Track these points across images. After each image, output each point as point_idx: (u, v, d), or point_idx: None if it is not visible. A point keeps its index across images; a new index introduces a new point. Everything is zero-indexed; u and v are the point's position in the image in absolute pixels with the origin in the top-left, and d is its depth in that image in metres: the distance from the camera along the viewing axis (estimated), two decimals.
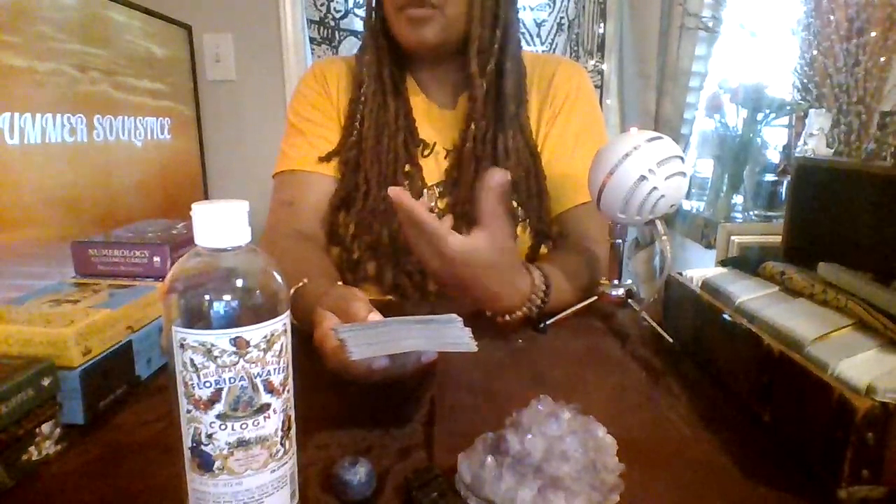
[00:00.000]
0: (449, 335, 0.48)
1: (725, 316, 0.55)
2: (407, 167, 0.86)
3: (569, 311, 0.73)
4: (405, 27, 0.80)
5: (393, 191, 0.55)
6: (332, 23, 1.97)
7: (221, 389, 0.33)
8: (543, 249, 0.87)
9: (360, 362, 0.46)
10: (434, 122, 0.90)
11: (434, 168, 0.88)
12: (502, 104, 0.84)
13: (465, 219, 0.83)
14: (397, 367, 0.48)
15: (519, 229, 0.85)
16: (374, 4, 0.85)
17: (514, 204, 0.86)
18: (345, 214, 0.85)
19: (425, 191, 0.86)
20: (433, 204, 0.86)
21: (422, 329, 0.48)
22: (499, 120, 0.84)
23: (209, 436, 0.33)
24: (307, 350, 0.51)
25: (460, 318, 0.51)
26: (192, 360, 0.32)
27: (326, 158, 0.87)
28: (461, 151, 0.85)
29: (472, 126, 0.84)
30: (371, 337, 0.47)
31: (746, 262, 0.65)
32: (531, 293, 0.67)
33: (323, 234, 0.86)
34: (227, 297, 0.33)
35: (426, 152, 0.88)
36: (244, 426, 0.33)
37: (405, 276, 0.84)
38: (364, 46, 0.87)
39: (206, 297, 0.33)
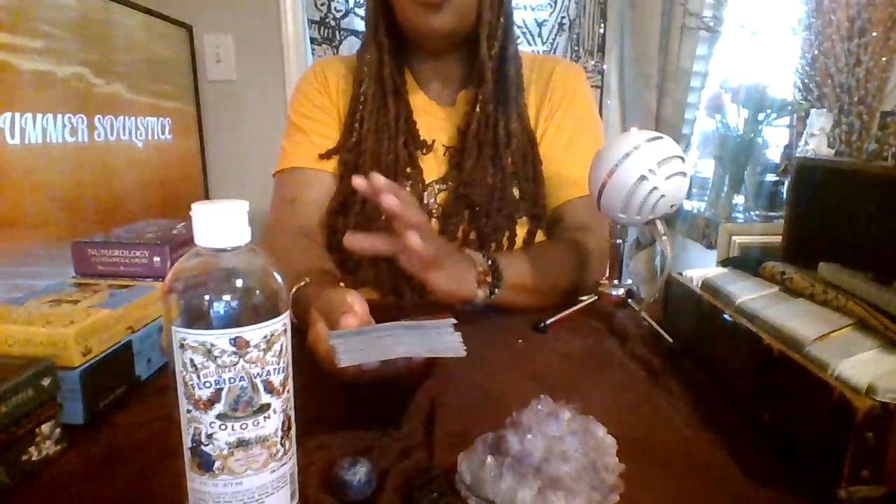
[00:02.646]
0: (438, 340, 0.48)
1: (725, 316, 0.54)
2: (408, 169, 0.86)
3: (569, 311, 0.73)
4: (418, 12, 0.79)
5: (377, 183, 0.58)
6: (333, 23, 1.98)
7: (221, 389, 0.33)
8: (540, 236, 0.87)
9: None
10: (434, 119, 0.90)
11: (433, 165, 0.88)
12: (505, 88, 0.85)
13: (466, 201, 0.84)
14: (388, 367, 0.48)
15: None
16: None
17: (515, 192, 0.86)
18: (343, 218, 0.86)
19: (425, 194, 0.86)
20: (432, 200, 0.86)
21: (412, 335, 0.48)
22: (500, 104, 0.85)
23: (209, 436, 0.33)
24: (307, 350, 0.51)
25: (453, 322, 0.51)
26: (192, 360, 0.32)
27: (327, 156, 0.87)
28: (465, 134, 0.86)
29: (478, 109, 0.85)
30: (361, 343, 0.47)
31: (747, 262, 0.65)
32: (479, 273, 0.71)
33: (325, 233, 0.87)
34: (227, 297, 0.33)
35: (425, 151, 0.88)
36: (244, 426, 0.33)
37: (403, 279, 0.84)
38: (365, 44, 0.87)
39: (206, 297, 0.33)
